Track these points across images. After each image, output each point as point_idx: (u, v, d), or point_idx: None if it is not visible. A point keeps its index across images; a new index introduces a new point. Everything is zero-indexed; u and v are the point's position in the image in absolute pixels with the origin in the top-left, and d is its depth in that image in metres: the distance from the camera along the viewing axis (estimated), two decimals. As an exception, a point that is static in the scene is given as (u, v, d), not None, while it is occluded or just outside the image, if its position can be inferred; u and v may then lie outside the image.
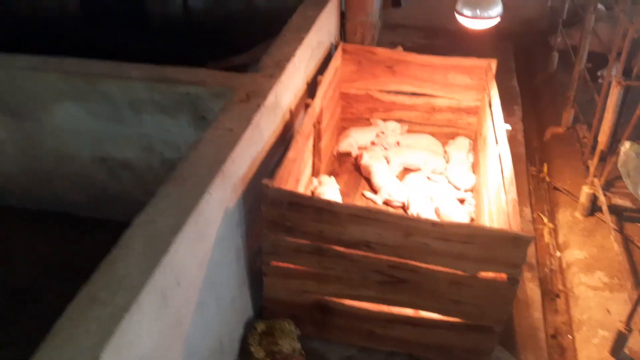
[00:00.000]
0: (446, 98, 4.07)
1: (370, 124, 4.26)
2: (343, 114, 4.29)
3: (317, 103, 3.33)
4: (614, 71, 3.46)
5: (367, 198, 3.76)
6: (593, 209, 3.74)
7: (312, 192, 3.53)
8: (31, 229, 3.90)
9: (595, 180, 3.65)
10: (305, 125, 3.10)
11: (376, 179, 3.79)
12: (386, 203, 3.71)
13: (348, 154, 4.14)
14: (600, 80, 4.56)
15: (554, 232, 3.86)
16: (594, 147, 3.73)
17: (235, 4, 5.86)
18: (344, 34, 4.36)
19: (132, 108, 3.28)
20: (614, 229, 3.49)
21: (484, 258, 2.40)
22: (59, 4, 6.07)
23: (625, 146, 3.40)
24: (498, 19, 3.62)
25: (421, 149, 4.07)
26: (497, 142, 3.11)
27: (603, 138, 3.52)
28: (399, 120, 4.23)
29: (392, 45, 5.30)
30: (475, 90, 3.96)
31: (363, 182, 3.93)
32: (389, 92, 4.14)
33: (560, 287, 3.45)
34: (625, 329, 2.77)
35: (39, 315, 3.22)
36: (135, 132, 3.40)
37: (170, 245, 1.95)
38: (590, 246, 3.54)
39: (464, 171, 3.85)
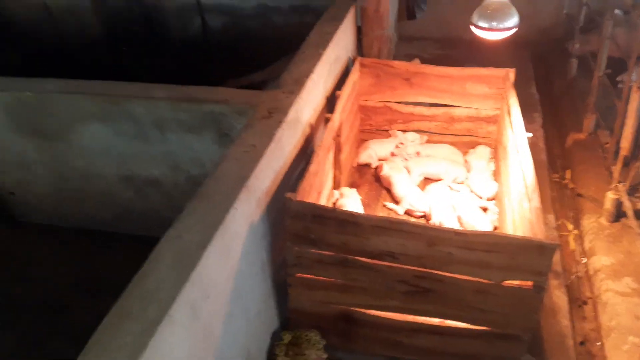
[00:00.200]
0: (465, 108, 4.08)
1: (389, 136, 4.29)
2: (362, 126, 4.33)
3: (336, 117, 3.38)
4: (634, 76, 3.44)
5: (389, 209, 3.78)
6: (618, 214, 3.70)
7: (334, 204, 3.56)
8: (60, 245, 4.01)
9: (620, 185, 3.61)
10: (325, 139, 3.15)
11: (397, 190, 3.81)
12: (408, 213, 3.73)
13: (368, 166, 4.17)
14: (620, 86, 4.52)
15: (579, 238, 3.83)
16: (616, 153, 3.70)
17: (252, 22, 5.98)
18: (360, 48, 4.42)
19: (157, 127, 3.37)
20: (641, 235, 3.45)
21: (509, 266, 2.40)
22: (82, 29, 6.26)
23: (649, 150, 3.37)
24: (515, 30, 3.60)
25: (441, 158, 4.08)
26: (517, 150, 3.12)
27: (625, 143, 3.50)
28: (418, 131, 4.26)
29: (409, 57, 5.33)
30: (494, 99, 3.97)
31: (384, 192, 3.95)
32: (407, 103, 4.17)
33: (588, 293, 3.41)
34: (655, 335, 2.73)
35: (69, 330, 3.32)
36: (161, 151, 3.49)
37: (199, 260, 2.00)
38: (616, 252, 3.49)
39: (486, 179, 3.85)
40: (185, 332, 1.94)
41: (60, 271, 3.78)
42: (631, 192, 3.67)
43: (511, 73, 3.80)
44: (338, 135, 3.53)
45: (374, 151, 4.16)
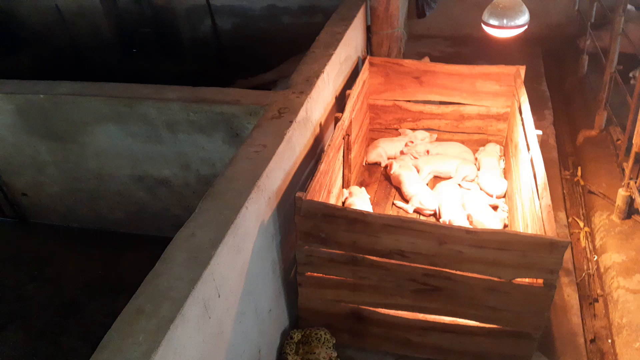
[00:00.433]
0: (475, 105, 4.08)
1: (399, 134, 4.30)
2: (371, 125, 4.34)
3: (346, 116, 3.39)
4: (646, 72, 3.41)
5: (398, 207, 3.79)
6: (630, 211, 3.67)
7: (344, 203, 3.57)
8: (74, 245, 4.07)
9: (632, 182, 3.59)
10: (335, 138, 3.16)
11: (407, 188, 3.82)
12: (417, 211, 3.73)
13: (378, 164, 4.18)
14: (632, 82, 4.49)
15: (591, 236, 3.81)
16: (628, 149, 3.67)
17: (262, 22, 6.01)
18: (370, 47, 4.43)
19: (169, 128, 3.41)
20: (653, 232, 3.42)
21: (520, 264, 2.40)
22: (93, 31, 6.33)
23: (661, 147, 3.34)
24: (525, 27, 3.59)
25: (451, 156, 4.08)
26: (528, 148, 3.11)
27: (638, 140, 3.47)
28: (428, 129, 4.26)
29: (419, 55, 5.33)
30: (505, 97, 3.96)
31: (393, 191, 3.96)
32: (416, 101, 4.18)
33: (599, 291, 3.39)
34: (668, 333, 2.71)
35: (83, 328, 3.37)
36: (172, 151, 3.53)
37: (211, 258, 2.02)
38: (628, 249, 3.47)
39: (496, 177, 3.84)
40: (198, 329, 1.97)
41: (73, 271, 3.84)
42: (643, 189, 3.64)
43: (522, 70, 3.79)
44: (348, 134, 3.54)
45: (384, 150, 4.17)
